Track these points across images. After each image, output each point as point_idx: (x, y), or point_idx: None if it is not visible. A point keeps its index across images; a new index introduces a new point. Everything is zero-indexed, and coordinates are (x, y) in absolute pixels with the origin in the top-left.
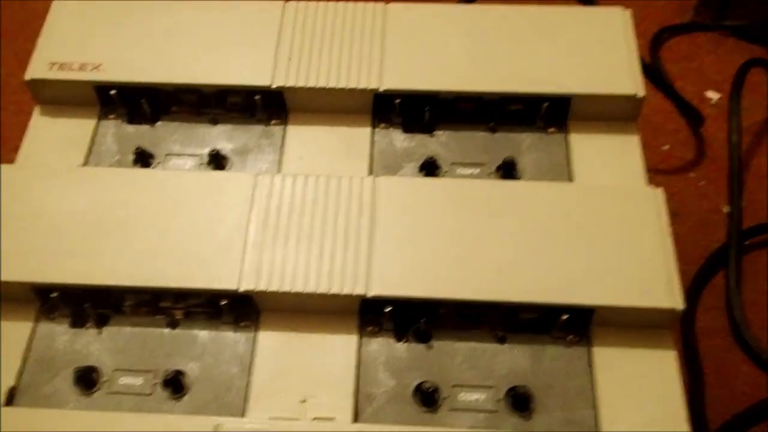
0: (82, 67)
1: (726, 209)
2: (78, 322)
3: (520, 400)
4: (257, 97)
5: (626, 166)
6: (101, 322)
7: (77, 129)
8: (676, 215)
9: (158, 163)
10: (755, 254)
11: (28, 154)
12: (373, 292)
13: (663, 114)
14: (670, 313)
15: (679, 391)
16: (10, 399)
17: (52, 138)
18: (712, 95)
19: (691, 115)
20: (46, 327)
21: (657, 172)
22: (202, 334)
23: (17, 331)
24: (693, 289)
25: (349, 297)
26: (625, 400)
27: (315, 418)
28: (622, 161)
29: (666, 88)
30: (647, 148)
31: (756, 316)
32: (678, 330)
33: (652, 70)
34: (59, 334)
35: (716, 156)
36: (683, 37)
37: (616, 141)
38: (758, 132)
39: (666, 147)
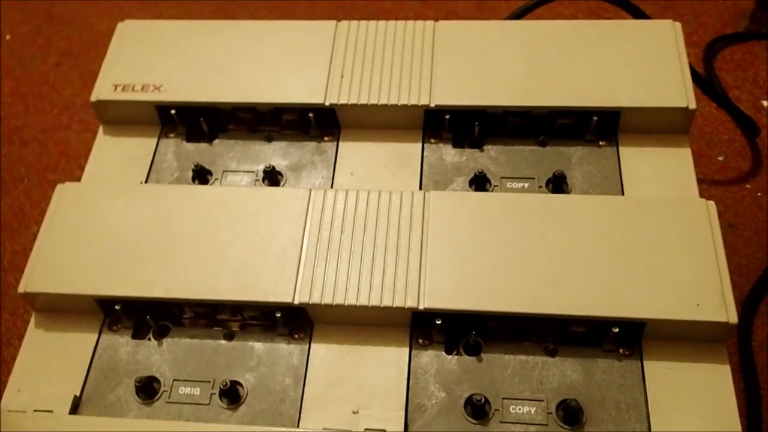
0: (144, 88)
1: None
2: (139, 334)
3: (570, 414)
4: (311, 115)
5: (678, 178)
6: (161, 334)
7: (139, 147)
8: (731, 226)
9: (215, 179)
10: None
11: (92, 172)
12: (424, 305)
13: (717, 124)
14: (724, 326)
15: (734, 406)
16: (75, 408)
17: (116, 156)
18: None
19: (747, 125)
20: (109, 338)
21: (712, 183)
22: (258, 346)
23: (82, 342)
24: (749, 302)
25: (400, 310)
26: (678, 414)
27: (366, 429)
28: (673, 174)
29: (720, 99)
30: (702, 158)
31: None
32: (733, 344)
33: (706, 80)
34: (122, 345)
35: None
36: (738, 46)
37: (668, 153)
38: None
39: (721, 158)
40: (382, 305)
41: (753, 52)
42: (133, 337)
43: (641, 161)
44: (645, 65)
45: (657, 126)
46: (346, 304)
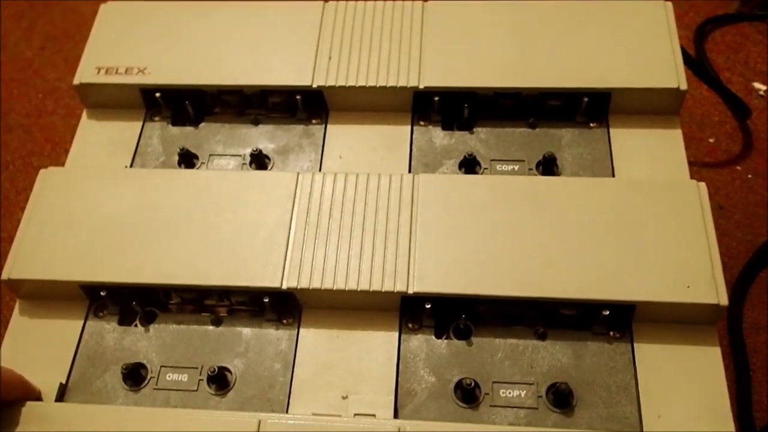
0: (128, 71)
1: None
2: (126, 320)
3: (561, 397)
4: (298, 97)
5: (669, 159)
6: (148, 320)
7: (124, 131)
8: (722, 209)
9: (202, 163)
10: None
11: (77, 157)
12: (413, 289)
13: (708, 106)
14: (714, 308)
15: (724, 388)
16: (62, 395)
17: (100, 140)
18: (760, 86)
19: (738, 107)
20: (95, 325)
21: (703, 165)
22: (246, 332)
23: (68, 329)
24: (740, 284)
25: (390, 294)
26: (668, 396)
27: (356, 414)
28: (664, 155)
29: (711, 81)
30: (693, 140)
31: None
32: (724, 326)
33: (697, 62)
34: (108, 331)
35: (764, 149)
36: (729, 28)
37: (659, 135)
38: None
39: (712, 140)
40: (371, 289)
41: (744, 33)
42: (120, 323)
43: (632, 143)
44: (636, 46)
45: (648, 107)
46: (334, 288)
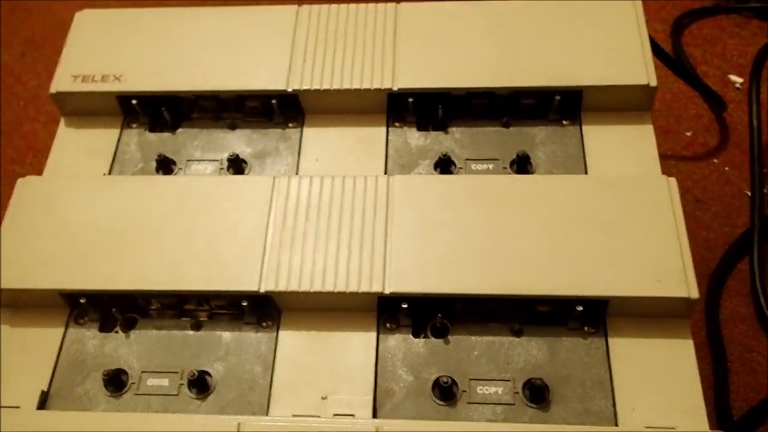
0: (104, 79)
1: (750, 194)
2: (106, 327)
3: (536, 392)
4: (274, 101)
5: (641, 155)
6: (128, 326)
7: (101, 139)
8: (699, 201)
9: (180, 168)
10: None
11: (55, 165)
12: (390, 289)
13: (685, 100)
14: (685, 302)
15: (697, 380)
16: (43, 403)
17: (78, 148)
18: (736, 79)
19: (713, 100)
20: (75, 332)
21: (680, 158)
22: (226, 335)
23: (48, 337)
24: (717, 275)
25: (366, 295)
26: (642, 390)
27: (336, 415)
28: (636, 151)
29: (687, 74)
30: (670, 134)
31: None
32: (701, 317)
33: (672, 58)
34: (88, 338)
35: (740, 141)
36: (706, 21)
37: (631, 131)
38: None
39: (689, 133)
40: (347, 291)
41: (721, 26)
42: (100, 330)
43: (604, 140)
44: (606, 44)
45: (619, 104)
46: (312, 291)
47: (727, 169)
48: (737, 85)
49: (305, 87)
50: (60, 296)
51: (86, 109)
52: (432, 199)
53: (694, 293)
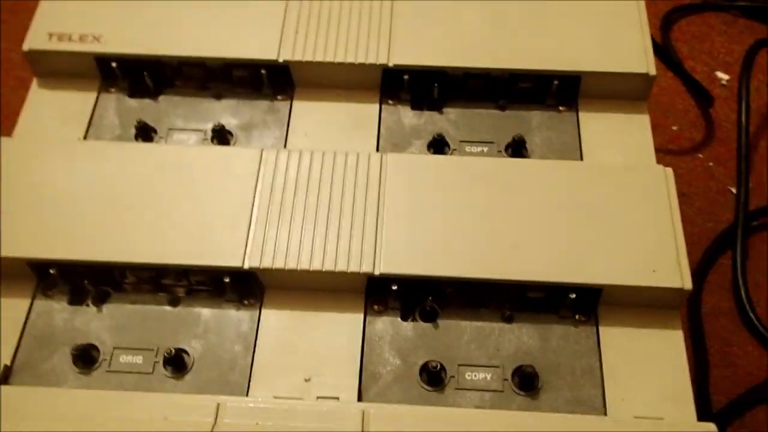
0: (82, 38)
1: (734, 190)
2: (76, 300)
3: (526, 380)
4: (263, 72)
5: (636, 145)
6: (100, 300)
7: (77, 102)
8: (683, 195)
9: (160, 137)
10: (762, 235)
11: (25, 128)
12: (380, 270)
13: (672, 94)
14: (678, 293)
15: (686, 372)
16: (6, 378)
17: (51, 111)
18: (723, 76)
19: (701, 95)
20: (43, 304)
21: (666, 152)
22: (205, 312)
23: (14, 308)
24: (699, 269)
25: (356, 275)
26: (632, 380)
27: (319, 397)
28: (632, 141)
29: (676, 68)
30: (656, 128)
31: (762, 297)
32: (684, 311)
33: (662, 50)
34: (57, 311)
35: (725, 137)
36: (694, 17)
37: (627, 120)
38: (767, 113)
39: (675, 127)
40: (336, 270)
41: (709, 23)
42: (70, 303)
43: (600, 127)
44: (607, 31)
45: (617, 92)
46: (298, 268)
47: (711, 164)
48: (723, 82)
49: (297, 58)
50: (28, 266)
51: (61, 70)
52: (426, 179)
53: (687, 284)
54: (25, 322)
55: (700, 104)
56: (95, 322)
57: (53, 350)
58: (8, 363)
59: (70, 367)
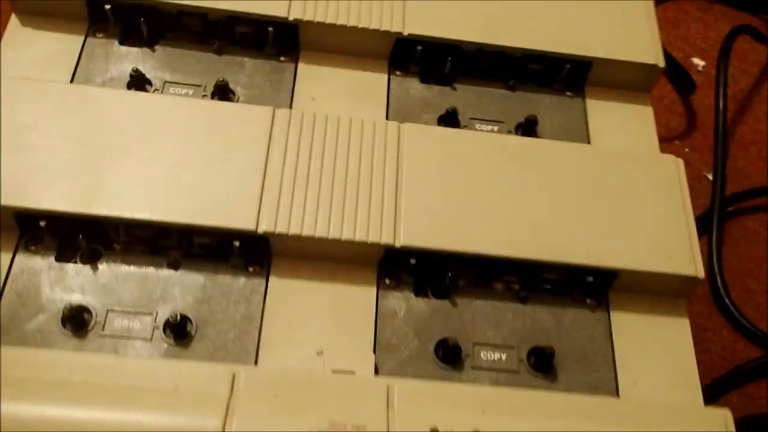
0: None
1: (709, 176)
2: (64, 256)
3: (543, 361)
4: (270, 29)
5: (641, 135)
6: (92, 258)
7: (61, 45)
8: None
9: (155, 89)
10: (738, 221)
11: (2, 70)
12: (401, 242)
13: None
14: (692, 280)
15: (693, 359)
16: None
17: (32, 54)
18: (698, 62)
19: (684, 82)
20: (26, 259)
21: None
22: (208, 278)
23: None
24: None
25: (375, 246)
26: (643, 365)
27: (334, 371)
28: (637, 131)
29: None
30: None
31: (736, 282)
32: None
33: None
34: (43, 267)
35: (701, 123)
36: (670, 3)
37: (632, 110)
38: (743, 100)
39: None
40: (355, 240)
41: (684, 9)
42: (57, 259)
43: (607, 115)
44: (619, 20)
45: (624, 81)
46: (316, 236)
47: (687, 150)
48: (699, 69)
49: (308, 18)
50: (13, 217)
51: (45, 7)
52: (444, 152)
53: (701, 273)
54: (6, 279)
55: (681, 91)
56: (86, 282)
57: (39, 309)
58: None
59: (59, 328)
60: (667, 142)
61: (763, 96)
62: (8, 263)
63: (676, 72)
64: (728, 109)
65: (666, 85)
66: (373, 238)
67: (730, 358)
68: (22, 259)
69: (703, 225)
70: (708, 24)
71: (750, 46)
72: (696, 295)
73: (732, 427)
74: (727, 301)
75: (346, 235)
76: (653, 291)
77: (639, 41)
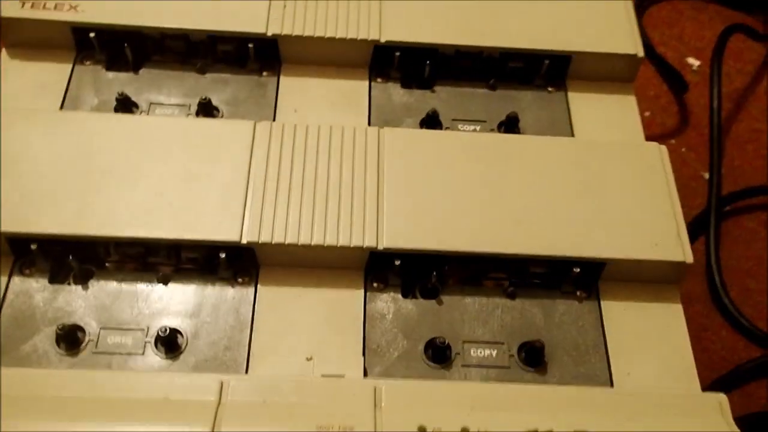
0: (57, 7)
1: (706, 175)
2: (57, 278)
3: (533, 355)
4: (250, 45)
5: (625, 125)
6: (84, 278)
7: (50, 74)
8: None
9: (142, 111)
10: (735, 220)
11: None
12: (384, 244)
13: (644, 80)
14: (680, 266)
15: (688, 346)
16: None
17: (23, 83)
18: (693, 62)
19: (676, 81)
20: (21, 282)
21: None
22: (197, 291)
23: None
24: None
25: (358, 250)
26: (636, 354)
27: (324, 376)
28: (621, 120)
29: (651, 54)
30: None
31: (735, 282)
32: None
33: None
34: (37, 290)
35: (697, 123)
36: (664, 3)
37: (615, 101)
38: (738, 98)
39: (647, 113)
40: (338, 245)
41: (678, 9)
42: (51, 281)
43: (590, 107)
44: (596, 12)
45: (605, 73)
46: (299, 243)
47: (684, 150)
48: (694, 68)
49: (286, 32)
50: (6, 242)
51: (34, 39)
52: (425, 154)
53: (689, 258)
54: (2, 302)
55: (674, 90)
56: (78, 301)
57: (34, 331)
58: None
59: (54, 348)
60: (662, 141)
61: (759, 94)
62: (4, 288)
63: (667, 71)
64: (724, 107)
65: (662, 84)
66: (356, 242)
67: (730, 358)
68: (17, 282)
69: (700, 224)
70: (703, 23)
71: (745, 44)
72: (694, 295)
73: (728, 410)
74: (726, 300)
75: (330, 240)
76: (643, 279)
77: (617, 32)
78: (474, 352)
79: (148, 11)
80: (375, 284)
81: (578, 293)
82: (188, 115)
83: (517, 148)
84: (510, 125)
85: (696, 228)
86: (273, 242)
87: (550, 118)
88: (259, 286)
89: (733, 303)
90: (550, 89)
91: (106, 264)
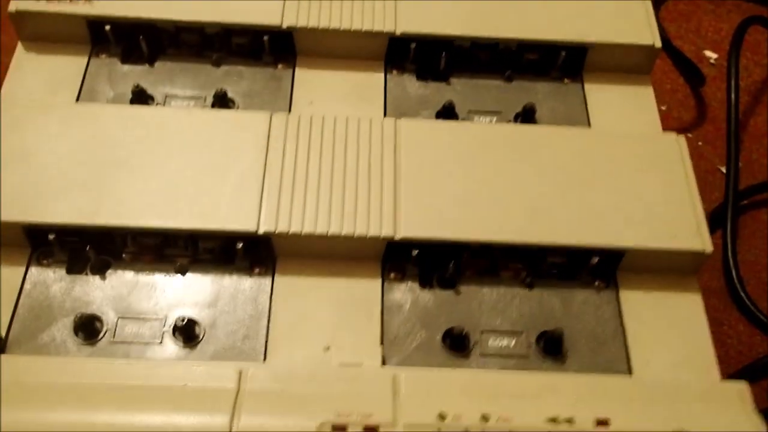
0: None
1: (723, 169)
2: (75, 268)
3: (552, 344)
4: (265, 38)
5: (643, 116)
6: (101, 269)
7: (66, 68)
8: None
9: (158, 104)
10: (752, 214)
11: (11, 94)
12: (401, 234)
13: (660, 74)
14: (700, 255)
15: (708, 335)
16: (2, 349)
17: (38, 77)
18: (711, 55)
19: (693, 74)
20: (39, 273)
21: None
22: (214, 281)
23: (7, 277)
24: None
25: (375, 240)
26: (655, 344)
27: (342, 365)
28: (638, 112)
29: (668, 48)
30: None
31: (752, 276)
32: None
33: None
34: (54, 280)
35: (714, 116)
36: None
37: (632, 92)
38: (756, 92)
39: (663, 107)
40: (356, 235)
41: (696, 2)
42: (68, 272)
43: (607, 99)
44: (612, 2)
45: (622, 64)
46: (316, 233)
47: (700, 144)
48: (711, 61)
49: (301, 24)
50: (23, 232)
51: (49, 33)
52: (441, 144)
53: (709, 247)
54: (20, 292)
55: (691, 84)
56: (96, 292)
57: (52, 321)
58: (2, 334)
59: (71, 337)
60: (679, 135)
61: None
62: (21, 278)
63: (684, 65)
64: (741, 101)
65: (678, 78)
66: (373, 232)
67: (747, 352)
68: (34, 273)
69: (717, 219)
70: (720, 16)
71: (763, 36)
72: (711, 289)
73: (749, 399)
74: (742, 294)
75: (347, 230)
76: (662, 269)
77: (634, 23)
78: (492, 341)
79: (163, 4)
80: (392, 274)
81: (596, 283)
82: (204, 107)
83: (534, 139)
84: (527, 116)
85: (713, 222)
86: (290, 232)
87: (566, 109)
88: (276, 276)
89: (750, 297)
90: (566, 81)
91: (123, 255)
